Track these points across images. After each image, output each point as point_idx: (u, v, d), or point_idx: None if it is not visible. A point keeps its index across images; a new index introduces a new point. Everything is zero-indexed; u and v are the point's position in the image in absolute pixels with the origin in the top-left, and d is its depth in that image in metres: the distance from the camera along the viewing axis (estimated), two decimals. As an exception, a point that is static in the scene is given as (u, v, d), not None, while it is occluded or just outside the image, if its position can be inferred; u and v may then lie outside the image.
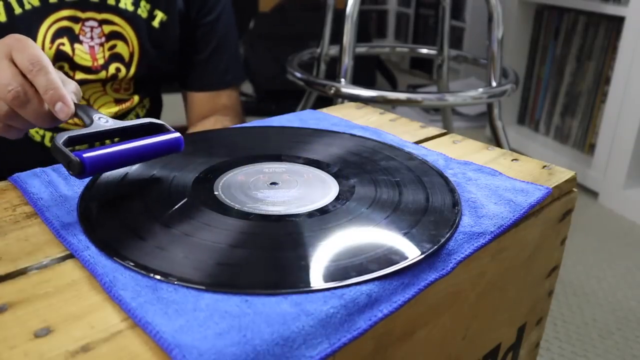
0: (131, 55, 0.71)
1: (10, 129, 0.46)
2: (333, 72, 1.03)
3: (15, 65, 0.43)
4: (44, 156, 0.68)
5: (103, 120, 0.42)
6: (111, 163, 0.38)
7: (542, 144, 2.00)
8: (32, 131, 0.69)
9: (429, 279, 0.32)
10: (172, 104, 0.97)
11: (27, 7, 0.63)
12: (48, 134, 0.70)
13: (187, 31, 0.77)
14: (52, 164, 0.45)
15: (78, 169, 0.36)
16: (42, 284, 0.30)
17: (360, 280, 0.30)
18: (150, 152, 0.41)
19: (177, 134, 0.43)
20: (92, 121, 0.42)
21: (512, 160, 0.51)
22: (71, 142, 0.39)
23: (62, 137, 0.38)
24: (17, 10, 0.63)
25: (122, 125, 0.43)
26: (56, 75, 0.43)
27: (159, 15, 0.72)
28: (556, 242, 0.48)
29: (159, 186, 0.41)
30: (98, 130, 0.41)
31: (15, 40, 0.44)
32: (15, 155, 0.67)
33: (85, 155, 0.36)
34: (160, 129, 0.44)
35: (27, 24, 0.64)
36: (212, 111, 0.82)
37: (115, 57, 0.70)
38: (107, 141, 0.44)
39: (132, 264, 0.31)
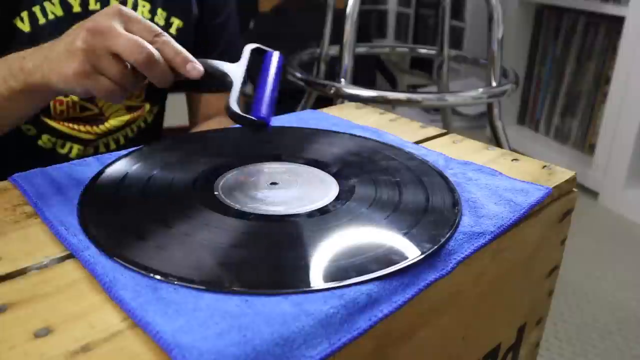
0: None
1: (119, 92, 0.45)
2: (333, 72, 1.03)
3: None
4: (44, 158, 0.68)
5: (233, 68, 0.48)
6: (274, 105, 0.45)
7: (542, 144, 2.00)
8: (45, 139, 0.69)
9: (429, 279, 0.32)
10: (172, 105, 0.97)
11: (51, 17, 0.63)
12: (60, 141, 0.69)
13: (200, 35, 0.77)
14: (52, 164, 0.45)
15: (263, 128, 0.42)
16: (42, 284, 0.30)
17: (360, 280, 0.30)
18: (278, 80, 0.47)
19: (277, 53, 0.50)
20: (230, 78, 0.47)
21: (512, 160, 0.51)
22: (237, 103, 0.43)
23: (234, 104, 0.43)
24: (41, 20, 0.63)
25: (245, 67, 0.48)
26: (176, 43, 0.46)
27: (176, 22, 0.72)
28: (556, 242, 0.48)
29: (159, 186, 0.41)
30: (242, 82, 0.46)
31: (121, 12, 0.44)
32: (26, 162, 0.67)
33: (263, 115, 0.43)
34: (260, 52, 0.50)
35: (49, 34, 0.63)
36: (218, 112, 0.82)
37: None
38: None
39: (132, 264, 0.31)
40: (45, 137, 0.69)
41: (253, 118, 0.42)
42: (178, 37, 0.72)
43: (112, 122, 0.72)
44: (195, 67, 0.45)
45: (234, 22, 0.81)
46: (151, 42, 0.44)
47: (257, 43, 0.52)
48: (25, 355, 0.25)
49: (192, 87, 0.83)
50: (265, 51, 0.51)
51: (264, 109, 0.43)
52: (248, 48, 0.50)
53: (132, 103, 0.73)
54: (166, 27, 0.71)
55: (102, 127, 0.71)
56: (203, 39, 0.78)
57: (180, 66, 0.45)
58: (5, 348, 0.25)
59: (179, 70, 0.45)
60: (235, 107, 0.42)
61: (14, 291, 0.29)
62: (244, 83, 0.46)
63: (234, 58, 0.85)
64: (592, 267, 1.31)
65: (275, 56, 0.50)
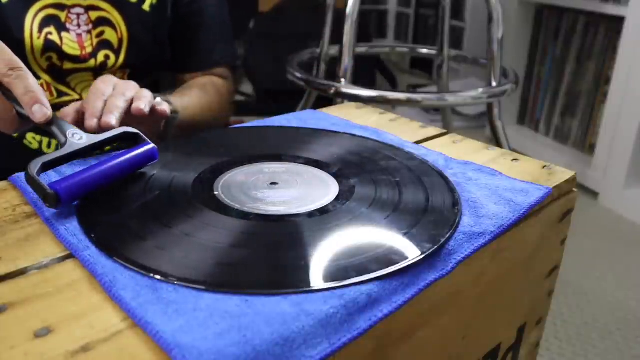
0: (120, 41, 0.70)
1: None
2: (333, 72, 1.03)
3: None
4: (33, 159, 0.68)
5: (77, 137, 0.43)
6: (87, 188, 0.39)
7: (542, 144, 2.00)
8: (29, 138, 0.69)
9: (429, 279, 0.32)
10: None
11: None
12: (45, 140, 0.69)
13: (176, 15, 0.76)
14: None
15: (54, 201, 0.36)
16: (42, 284, 0.30)
17: (360, 280, 0.30)
18: (125, 169, 0.42)
19: (151, 145, 0.44)
20: (66, 139, 0.42)
21: (512, 160, 0.51)
22: (45, 167, 0.40)
23: (36, 166, 0.38)
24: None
25: (96, 141, 0.43)
26: (35, 81, 0.44)
27: None
28: (556, 242, 0.48)
29: (159, 186, 0.41)
30: (72, 150, 0.42)
31: None
32: (13, 161, 0.67)
33: (60, 186, 0.37)
34: (135, 139, 0.45)
35: (13, 13, 0.63)
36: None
37: (104, 44, 0.69)
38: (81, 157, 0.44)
39: (132, 264, 0.31)
40: (29, 135, 0.68)
41: (46, 187, 0.36)
42: (153, 14, 0.72)
43: None
44: (42, 110, 0.43)
45: (215, 10, 0.80)
46: (4, 75, 0.43)
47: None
48: (25, 355, 0.25)
49: (174, 70, 0.82)
50: (142, 140, 0.45)
51: (65, 183, 0.37)
52: (114, 132, 0.45)
53: None
54: (140, 3, 0.71)
55: None
56: (179, 20, 0.77)
57: (27, 105, 0.44)
58: (5, 348, 0.25)
59: (25, 109, 0.44)
60: (35, 170, 0.38)
61: (14, 291, 0.29)
62: (76, 156, 0.42)
63: (209, 48, 0.83)
64: (592, 267, 1.31)
65: (142, 149, 0.43)
